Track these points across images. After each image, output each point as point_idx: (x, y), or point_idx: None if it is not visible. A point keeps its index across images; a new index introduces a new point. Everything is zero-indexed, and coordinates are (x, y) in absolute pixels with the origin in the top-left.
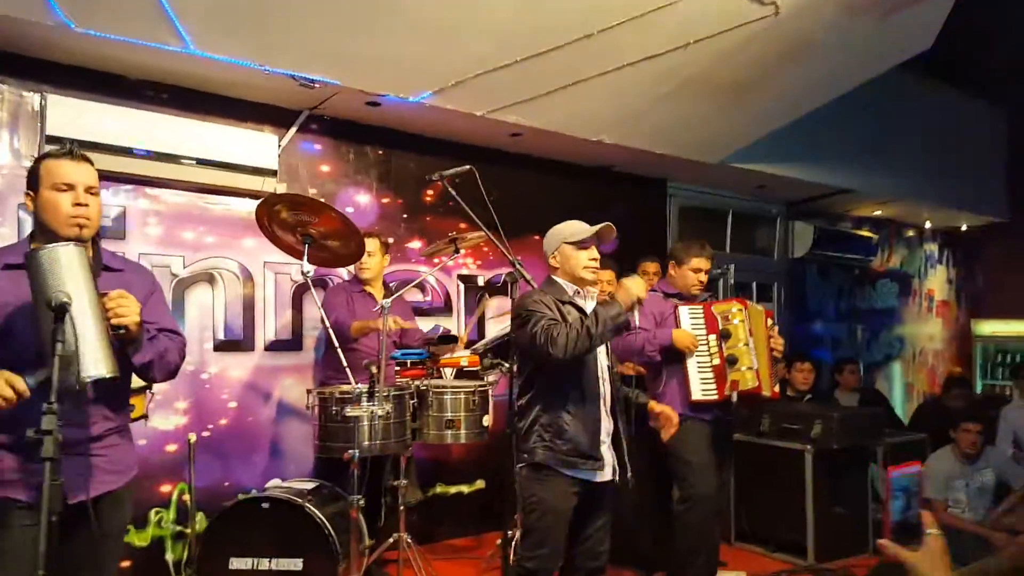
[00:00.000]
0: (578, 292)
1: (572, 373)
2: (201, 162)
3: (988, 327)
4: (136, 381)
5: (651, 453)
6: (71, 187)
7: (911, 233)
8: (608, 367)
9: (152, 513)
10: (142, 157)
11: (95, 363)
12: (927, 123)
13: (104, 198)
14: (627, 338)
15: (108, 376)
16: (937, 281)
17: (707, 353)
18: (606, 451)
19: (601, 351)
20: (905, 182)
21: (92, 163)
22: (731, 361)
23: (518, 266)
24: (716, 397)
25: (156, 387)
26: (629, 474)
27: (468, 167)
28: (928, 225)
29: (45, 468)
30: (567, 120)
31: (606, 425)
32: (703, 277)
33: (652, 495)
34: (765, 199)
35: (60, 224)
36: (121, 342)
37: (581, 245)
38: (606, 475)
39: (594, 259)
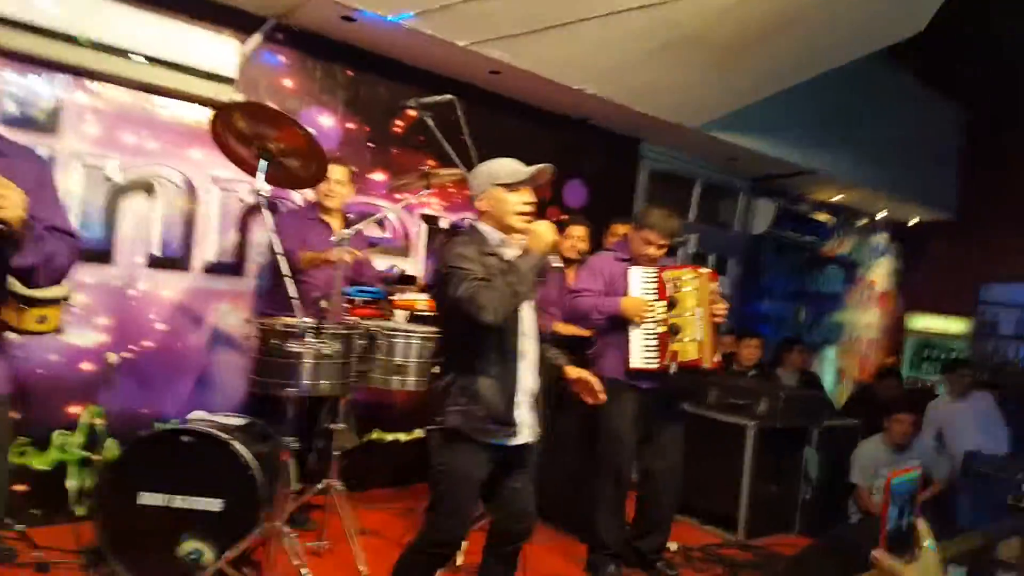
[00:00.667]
0: (503, 241)
1: (492, 333)
2: (151, 59)
3: (920, 321)
4: (51, 290)
5: (582, 417)
6: None
7: (864, 222)
8: (533, 322)
9: (56, 435)
10: (84, 46)
11: None
12: (894, 113)
13: (37, 87)
14: (573, 301)
15: None
16: (881, 272)
17: (653, 320)
18: (524, 413)
19: (526, 306)
20: (867, 169)
21: None
22: (674, 331)
23: None
24: (656, 366)
25: (75, 299)
26: (539, 434)
27: (449, 97)
28: (881, 215)
29: None
30: (552, 63)
31: (526, 385)
32: (652, 252)
33: (586, 460)
34: (733, 172)
35: None
36: None
37: (513, 188)
38: (521, 438)
39: (528, 203)
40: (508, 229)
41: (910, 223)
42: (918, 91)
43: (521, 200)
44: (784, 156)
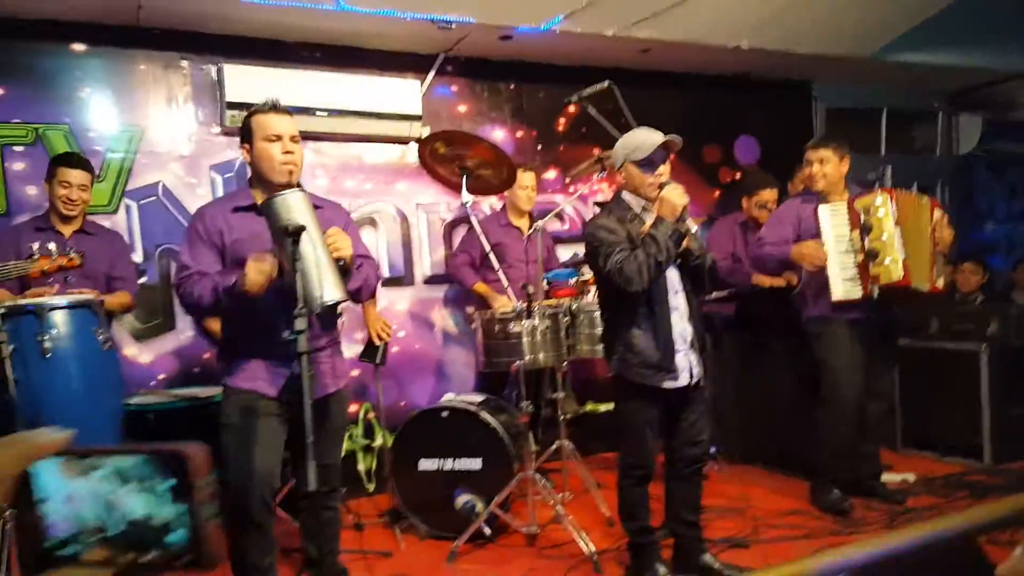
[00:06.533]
0: (645, 208)
1: (641, 293)
2: (357, 114)
3: None
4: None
5: (805, 358)
6: (279, 137)
7: None
8: (679, 280)
9: None
10: (310, 114)
11: (332, 288)
12: None
13: None
14: (753, 253)
15: (342, 299)
16: None
17: (851, 251)
18: (682, 359)
19: (671, 269)
20: None
21: (292, 115)
22: (871, 255)
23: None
24: (859, 296)
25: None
26: (701, 375)
27: (606, 82)
28: None
29: (303, 360)
30: (702, 29)
31: (681, 332)
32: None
33: (807, 399)
34: (924, 92)
35: (273, 171)
36: (341, 271)
37: (645, 164)
38: (681, 382)
39: (659, 175)
40: (647, 198)
41: None
42: None
43: (652, 175)
44: (981, 63)
